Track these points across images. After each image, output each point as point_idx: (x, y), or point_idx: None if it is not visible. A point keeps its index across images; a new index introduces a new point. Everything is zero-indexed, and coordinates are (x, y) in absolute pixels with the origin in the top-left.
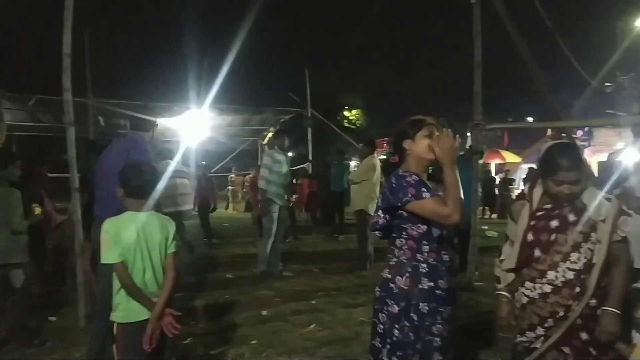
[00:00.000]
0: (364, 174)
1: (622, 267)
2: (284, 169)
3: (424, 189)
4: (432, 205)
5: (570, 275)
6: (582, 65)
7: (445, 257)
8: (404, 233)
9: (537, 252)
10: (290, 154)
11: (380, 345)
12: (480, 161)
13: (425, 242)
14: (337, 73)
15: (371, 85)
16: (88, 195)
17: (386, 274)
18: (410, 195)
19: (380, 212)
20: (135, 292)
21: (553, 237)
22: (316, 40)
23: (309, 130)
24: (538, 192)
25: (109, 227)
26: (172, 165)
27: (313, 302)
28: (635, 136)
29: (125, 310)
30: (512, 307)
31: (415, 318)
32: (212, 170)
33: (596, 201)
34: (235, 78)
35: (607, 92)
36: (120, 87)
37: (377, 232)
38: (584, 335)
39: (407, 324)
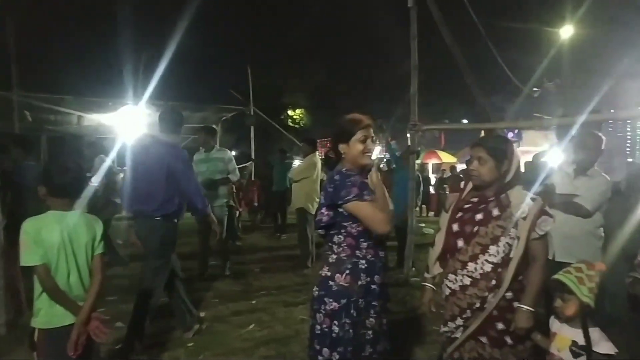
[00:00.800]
0: (304, 171)
1: (539, 265)
2: (202, 167)
3: (366, 192)
4: (370, 211)
5: (488, 267)
6: (514, 71)
7: (381, 254)
8: (344, 230)
9: (460, 243)
10: (233, 153)
11: (318, 347)
12: (418, 161)
13: (363, 240)
14: (281, 72)
15: (315, 84)
16: (12, 194)
17: (325, 271)
18: (352, 195)
19: (323, 210)
20: (58, 296)
21: (476, 229)
22: (259, 38)
23: (252, 128)
24: (469, 186)
25: (29, 228)
26: (108, 162)
27: (253, 302)
28: (558, 138)
29: (48, 315)
30: (433, 296)
31: (355, 314)
32: None
33: (520, 199)
34: (174, 74)
35: (535, 96)
36: (50, 80)
37: (320, 230)
38: (500, 325)
39: (348, 320)
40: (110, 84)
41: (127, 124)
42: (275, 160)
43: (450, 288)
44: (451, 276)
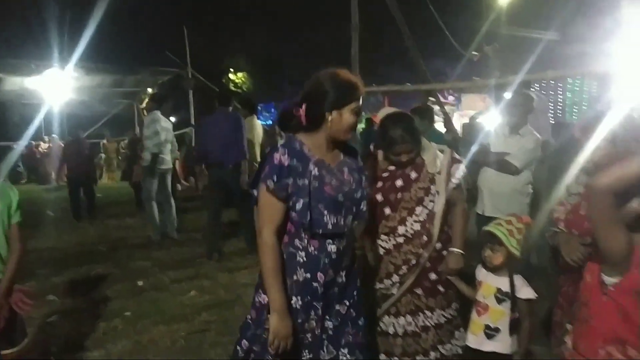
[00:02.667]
0: None
1: (459, 210)
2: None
3: (277, 179)
4: (260, 204)
5: (417, 226)
6: (455, 36)
7: (331, 248)
8: None
9: (387, 211)
10: (172, 119)
11: (239, 336)
12: (362, 125)
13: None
14: (221, 33)
15: (257, 46)
16: None
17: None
18: (261, 177)
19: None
20: None
21: (399, 195)
22: None
23: (190, 92)
24: (382, 154)
25: None
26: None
27: (194, 269)
28: (492, 100)
29: None
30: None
31: None
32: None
33: (431, 156)
34: (104, 34)
35: (474, 60)
36: None
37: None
38: (433, 276)
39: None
40: (34, 45)
41: (53, 89)
42: None
43: (384, 248)
44: (384, 237)
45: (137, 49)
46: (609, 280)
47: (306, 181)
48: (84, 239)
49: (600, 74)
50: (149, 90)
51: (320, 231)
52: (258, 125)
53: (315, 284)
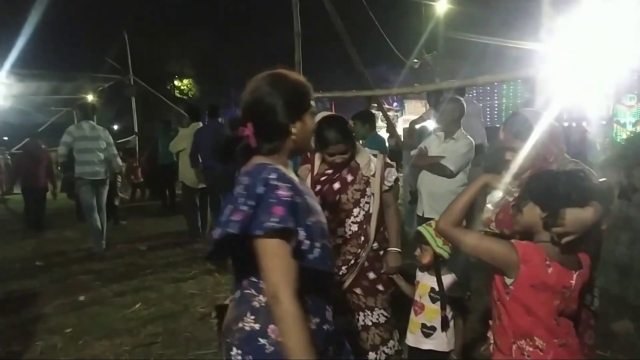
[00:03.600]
0: (179, 142)
1: (392, 211)
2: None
3: (295, 223)
4: (274, 259)
5: (355, 227)
6: (398, 45)
7: (328, 282)
8: None
9: (325, 213)
10: (115, 127)
11: None
12: None
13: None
14: (165, 39)
15: (202, 53)
16: None
17: (248, 323)
18: (275, 221)
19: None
20: None
21: (337, 197)
22: (137, 1)
23: (133, 99)
24: (318, 157)
25: None
26: None
27: (138, 281)
28: (430, 106)
29: None
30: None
31: None
32: (16, 147)
33: (366, 159)
34: (39, 39)
35: (415, 67)
36: None
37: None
38: (372, 275)
39: None
40: None
41: None
42: (159, 132)
43: None
44: None
45: (76, 54)
46: (508, 280)
47: (312, 218)
48: (19, 253)
49: (527, 78)
50: (89, 97)
51: (326, 270)
52: None
53: (325, 327)
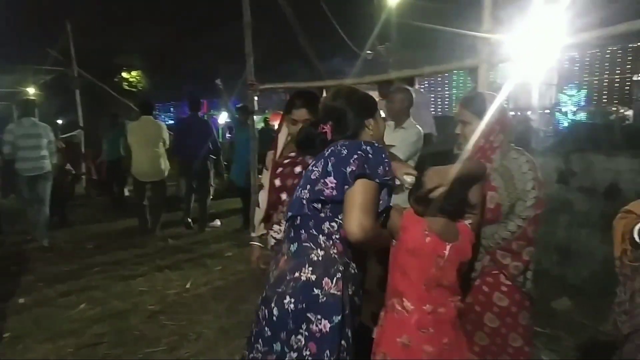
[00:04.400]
0: (133, 135)
1: None
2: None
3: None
4: (372, 200)
5: None
6: (352, 36)
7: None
8: (339, 217)
9: (283, 196)
10: (59, 121)
11: None
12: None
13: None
14: (113, 30)
15: (152, 45)
16: None
17: (305, 273)
18: (386, 176)
19: (330, 180)
20: None
21: (296, 181)
22: None
23: (77, 92)
24: (282, 138)
25: None
26: None
27: (85, 280)
28: (381, 96)
29: None
30: (262, 253)
31: (350, 334)
32: None
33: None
34: None
35: (369, 59)
36: None
37: (315, 204)
38: None
39: (344, 344)
40: None
41: None
42: (104, 126)
43: (275, 238)
44: (276, 227)
45: (17, 45)
46: (394, 242)
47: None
48: None
49: (472, 68)
50: (30, 90)
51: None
52: (151, 126)
53: (357, 299)
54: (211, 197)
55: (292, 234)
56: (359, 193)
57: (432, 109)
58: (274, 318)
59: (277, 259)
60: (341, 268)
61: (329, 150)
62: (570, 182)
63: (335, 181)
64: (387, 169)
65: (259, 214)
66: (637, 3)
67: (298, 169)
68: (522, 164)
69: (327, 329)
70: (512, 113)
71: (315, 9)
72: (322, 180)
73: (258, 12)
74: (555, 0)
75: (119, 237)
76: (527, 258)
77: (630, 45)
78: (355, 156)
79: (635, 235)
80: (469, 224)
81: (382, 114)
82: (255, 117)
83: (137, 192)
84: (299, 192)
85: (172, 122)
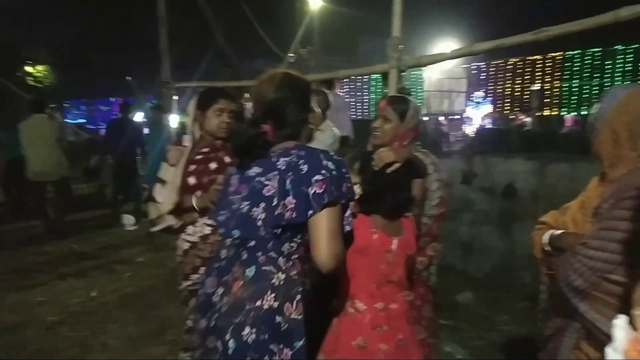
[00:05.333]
0: (27, 135)
1: None
2: None
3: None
4: (337, 226)
5: None
6: (276, 39)
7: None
8: (299, 236)
9: (198, 194)
10: None
11: None
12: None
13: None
14: (16, 20)
15: (62, 39)
16: None
17: (268, 301)
18: (349, 193)
19: (290, 200)
20: None
21: (213, 177)
22: None
23: None
24: (194, 134)
25: None
26: None
27: None
28: None
29: None
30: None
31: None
32: None
33: None
34: None
35: (291, 62)
36: None
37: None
38: None
39: None
40: None
41: None
42: (6, 124)
43: (189, 241)
44: (190, 228)
45: None
46: None
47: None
48: None
49: (381, 72)
50: None
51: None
52: (44, 123)
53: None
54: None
55: (246, 257)
56: (327, 221)
57: (352, 113)
58: (230, 352)
59: (226, 282)
60: (300, 289)
61: (283, 163)
62: (473, 182)
63: (294, 201)
64: (349, 185)
65: (155, 209)
66: (540, 17)
67: (213, 165)
68: (427, 165)
69: (289, 358)
70: (426, 118)
71: (239, 12)
72: (281, 203)
73: (179, 9)
74: (463, 12)
75: (18, 243)
76: (431, 253)
77: (528, 58)
78: (319, 177)
79: (543, 243)
80: (412, 216)
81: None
82: (179, 117)
83: (34, 194)
84: (247, 208)
85: (83, 120)
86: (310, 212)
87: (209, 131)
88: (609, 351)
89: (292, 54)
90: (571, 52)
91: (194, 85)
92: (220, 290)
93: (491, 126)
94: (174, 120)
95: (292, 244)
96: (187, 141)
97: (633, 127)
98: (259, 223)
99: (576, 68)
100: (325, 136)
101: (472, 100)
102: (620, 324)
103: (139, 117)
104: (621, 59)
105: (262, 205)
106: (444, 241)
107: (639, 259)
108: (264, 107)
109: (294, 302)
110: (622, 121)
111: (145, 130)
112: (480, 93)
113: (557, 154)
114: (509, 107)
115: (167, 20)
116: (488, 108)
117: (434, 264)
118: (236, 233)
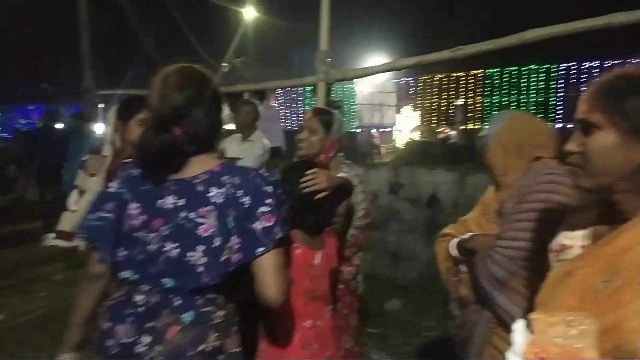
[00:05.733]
0: None
1: None
2: None
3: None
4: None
5: None
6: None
7: None
8: (241, 272)
9: None
10: None
11: None
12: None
13: None
14: None
15: None
16: None
17: (211, 342)
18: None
19: (235, 239)
20: None
21: None
22: None
23: None
24: (117, 143)
25: None
26: None
27: None
28: (229, 109)
29: None
30: None
31: None
32: None
33: None
34: None
35: (225, 71)
36: None
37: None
38: None
39: None
40: None
41: None
42: None
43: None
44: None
45: None
46: None
47: None
48: None
49: (310, 85)
50: None
51: None
52: None
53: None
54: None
55: (180, 303)
56: (278, 257)
57: (288, 124)
58: None
59: (153, 329)
60: (237, 319)
61: (219, 195)
62: (399, 192)
63: (239, 241)
64: (285, 205)
65: (70, 219)
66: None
67: None
68: (352, 177)
69: None
70: (359, 130)
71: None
72: (226, 246)
73: (104, 14)
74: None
75: None
76: (358, 263)
77: (453, 74)
78: (266, 208)
79: (451, 250)
80: (333, 229)
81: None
82: (104, 126)
83: None
84: (178, 252)
85: None
86: (260, 250)
87: (131, 142)
88: (509, 354)
89: (225, 64)
90: (491, 70)
91: (120, 92)
92: (147, 339)
93: (419, 138)
94: (99, 129)
95: (231, 281)
96: (107, 151)
97: (519, 141)
98: (200, 269)
99: (496, 85)
100: (255, 147)
101: (401, 114)
102: (518, 328)
103: (59, 125)
104: (534, 77)
105: (201, 248)
106: (371, 250)
107: (546, 246)
108: (168, 109)
109: (233, 336)
110: (509, 137)
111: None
112: (409, 107)
113: (475, 165)
114: (435, 121)
115: (89, 26)
116: (416, 121)
117: (360, 273)
118: (168, 282)
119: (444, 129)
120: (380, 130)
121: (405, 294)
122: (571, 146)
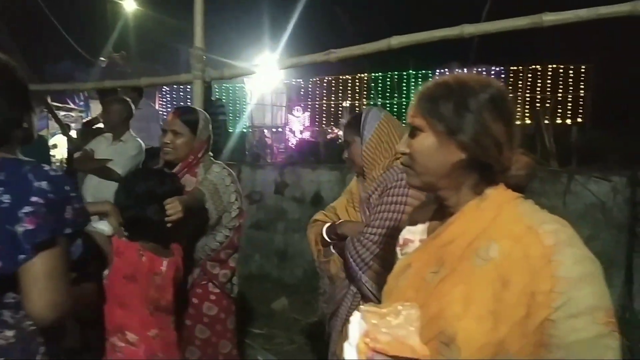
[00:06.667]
0: None
1: None
2: None
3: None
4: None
5: None
6: (84, 42)
7: None
8: None
9: None
10: None
11: None
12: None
13: None
14: None
15: None
16: None
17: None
18: (76, 219)
19: None
20: None
21: None
22: None
23: None
24: None
25: None
26: None
27: None
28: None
29: None
30: None
31: None
32: None
33: None
34: None
35: (103, 66)
36: None
37: None
38: None
39: None
40: None
41: None
42: None
43: None
44: None
45: None
46: (105, 273)
47: None
48: None
49: (185, 82)
50: None
51: None
52: None
53: None
54: None
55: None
56: (44, 264)
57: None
58: None
59: None
60: (42, 339)
61: None
62: (285, 192)
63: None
64: (76, 206)
65: None
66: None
67: None
68: (224, 177)
69: None
70: (250, 130)
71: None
72: None
73: None
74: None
75: None
76: (233, 265)
77: (341, 76)
78: (29, 208)
79: (324, 234)
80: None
81: (102, 125)
82: None
83: None
84: None
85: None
86: (22, 257)
87: None
88: (345, 345)
89: (103, 58)
90: (375, 74)
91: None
92: None
93: (308, 139)
94: None
95: (17, 291)
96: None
97: (388, 141)
98: None
99: (380, 88)
100: (128, 147)
101: (292, 114)
102: (354, 320)
103: None
104: (414, 81)
105: None
106: (259, 251)
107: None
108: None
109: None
110: (379, 136)
111: None
112: (300, 108)
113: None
114: (325, 122)
115: None
116: (306, 122)
117: (236, 275)
118: None
119: (332, 129)
120: (273, 130)
121: (292, 292)
122: (401, 147)
